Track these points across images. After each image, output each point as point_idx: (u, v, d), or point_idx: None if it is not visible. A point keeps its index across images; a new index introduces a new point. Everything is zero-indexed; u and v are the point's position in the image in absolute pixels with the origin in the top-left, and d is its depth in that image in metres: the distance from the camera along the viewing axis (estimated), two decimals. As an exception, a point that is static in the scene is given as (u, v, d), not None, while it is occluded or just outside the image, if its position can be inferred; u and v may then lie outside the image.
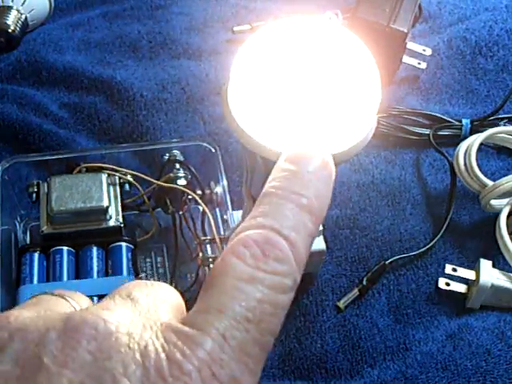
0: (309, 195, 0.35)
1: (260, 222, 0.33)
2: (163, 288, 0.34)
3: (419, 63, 0.89)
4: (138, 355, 0.28)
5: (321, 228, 0.68)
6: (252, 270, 0.31)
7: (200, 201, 0.68)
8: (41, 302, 0.32)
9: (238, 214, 0.68)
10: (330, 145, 0.49)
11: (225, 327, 0.30)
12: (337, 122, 0.48)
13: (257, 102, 0.49)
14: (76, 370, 0.28)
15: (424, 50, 0.89)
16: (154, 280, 0.67)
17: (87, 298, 0.35)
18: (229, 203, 0.67)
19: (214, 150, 0.70)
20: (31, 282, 0.64)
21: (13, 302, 0.63)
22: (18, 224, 0.72)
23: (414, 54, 0.89)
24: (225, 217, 0.68)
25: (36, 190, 0.69)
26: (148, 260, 0.71)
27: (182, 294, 0.35)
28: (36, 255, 0.66)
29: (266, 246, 0.32)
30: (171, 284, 0.68)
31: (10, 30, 0.88)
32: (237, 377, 0.29)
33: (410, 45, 0.88)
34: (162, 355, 0.28)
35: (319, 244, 0.68)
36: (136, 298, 0.32)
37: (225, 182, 0.68)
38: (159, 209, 0.71)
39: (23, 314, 0.30)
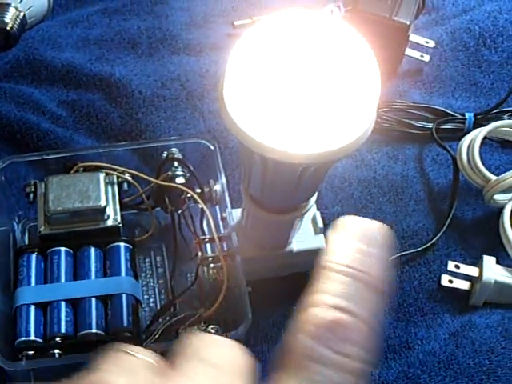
0: (377, 274, 0.34)
1: (332, 301, 0.32)
2: (234, 349, 0.33)
3: (422, 56, 0.88)
4: None
5: (321, 225, 0.68)
6: (327, 352, 0.31)
7: (199, 199, 0.68)
8: (122, 363, 0.31)
9: (237, 212, 0.67)
10: (330, 140, 0.48)
11: None
12: (335, 116, 0.48)
13: (253, 98, 0.48)
14: None
15: (427, 42, 0.88)
16: (154, 280, 0.67)
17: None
18: (228, 201, 0.66)
19: (212, 148, 0.69)
20: (29, 283, 0.64)
21: (10, 303, 0.63)
22: (16, 224, 0.72)
23: (417, 47, 0.88)
24: (224, 215, 0.67)
25: (33, 189, 0.68)
26: (147, 260, 0.71)
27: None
28: (34, 256, 0.65)
29: (340, 327, 0.32)
30: (170, 283, 0.68)
31: (8, 28, 0.88)
32: None
33: (413, 37, 0.87)
34: None
35: (319, 242, 0.68)
36: (218, 365, 0.31)
37: (224, 180, 0.68)
38: (158, 208, 0.71)
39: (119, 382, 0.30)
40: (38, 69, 0.86)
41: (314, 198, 0.62)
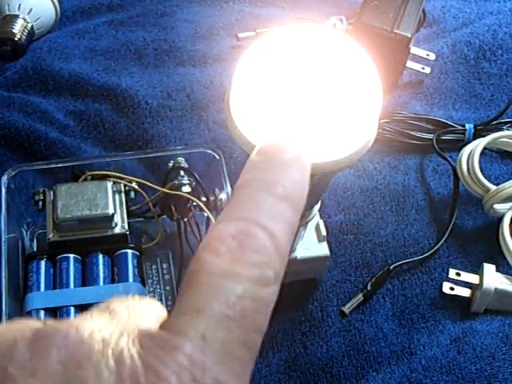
0: (283, 183, 0.32)
1: (233, 215, 0.31)
2: (144, 301, 0.32)
3: (423, 68, 0.89)
4: (111, 362, 0.26)
5: (324, 233, 0.69)
6: (229, 264, 0.29)
7: (204, 207, 0.69)
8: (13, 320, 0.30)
9: (242, 221, 0.68)
10: (333, 150, 0.50)
11: (204, 328, 0.27)
12: (338, 128, 0.49)
13: (259, 109, 0.49)
14: (45, 380, 0.26)
15: (428, 55, 0.89)
16: (160, 286, 0.68)
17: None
18: (233, 210, 0.67)
19: (217, 157, 0.70)
20: (38, 289, 0.65)
21: (20, 309, 0.64)
22: (24, 232, 0.73)
23: (418, 59, 0.89)
24: (229, 223, 0.68)
25: (42, 197, 0.69)
26: (154, 266, 0.72)
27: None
28: (43, 263, 0.66)
29: (242, 236, 0.29)
30: (177, 289, 0.69)
31: (16, 39, 0.89)
32: (222, 380, 0.27)
33: (414, 50, 0.89)
34: (138, 361, 0.27)
35: (323, 249, 0.69)
36: (115, 310, 0.30)
37: (229, 189, 0.69)
38: (165, 216, 0.72)
39: None
40: (45, 79, 0.87)
41: (317, 207, 0.63)
